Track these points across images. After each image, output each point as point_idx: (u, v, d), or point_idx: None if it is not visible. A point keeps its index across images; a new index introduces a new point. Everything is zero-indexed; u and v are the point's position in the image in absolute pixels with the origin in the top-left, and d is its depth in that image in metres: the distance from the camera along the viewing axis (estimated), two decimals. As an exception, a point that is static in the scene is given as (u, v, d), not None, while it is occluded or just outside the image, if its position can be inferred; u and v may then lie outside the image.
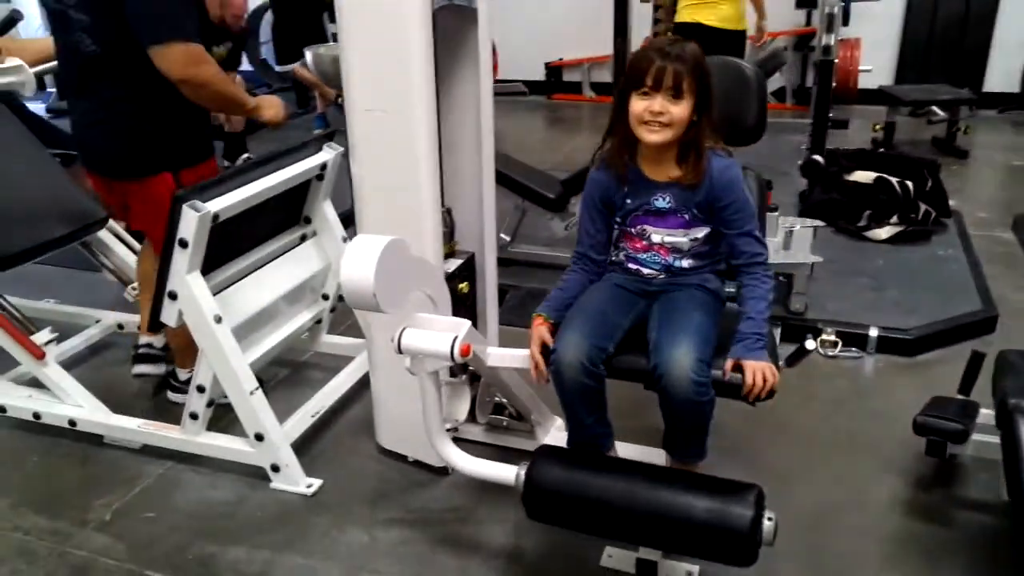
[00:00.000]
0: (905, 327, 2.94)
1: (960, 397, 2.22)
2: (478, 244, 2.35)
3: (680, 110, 1.63)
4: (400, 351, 1.73)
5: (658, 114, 1.63)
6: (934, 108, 5.52)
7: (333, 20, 5.68)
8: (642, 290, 1.82)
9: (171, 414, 2.55)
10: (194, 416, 2.28)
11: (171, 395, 2.68)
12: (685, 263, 1.78)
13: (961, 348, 2.85)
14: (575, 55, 7.44)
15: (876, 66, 6.11)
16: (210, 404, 2.28)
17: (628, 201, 1.76)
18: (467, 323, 1.74)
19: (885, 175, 3.84)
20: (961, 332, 2.95)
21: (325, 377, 2.68)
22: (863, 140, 5.51)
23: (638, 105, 1.65)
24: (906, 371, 2.81)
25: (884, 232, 3.77)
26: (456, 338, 1.68)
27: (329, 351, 2.91)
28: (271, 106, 2.42)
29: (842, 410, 2.58)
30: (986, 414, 2.12)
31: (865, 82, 6.06)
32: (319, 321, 2.81)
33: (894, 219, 3.79)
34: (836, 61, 4.30)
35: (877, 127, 5.61)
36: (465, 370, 1.92)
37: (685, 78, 1.62)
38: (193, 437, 2.31)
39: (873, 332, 2.90)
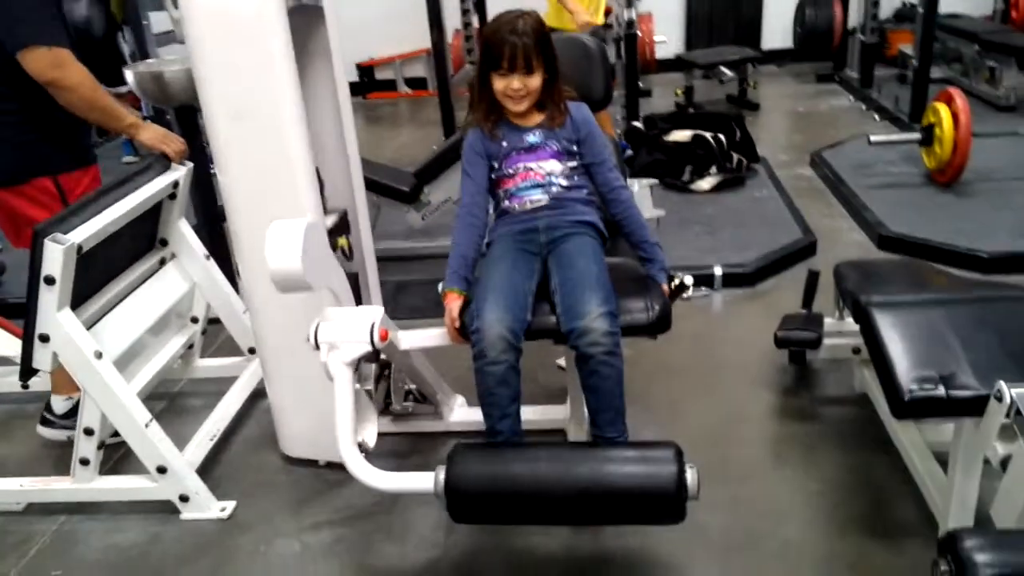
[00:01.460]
0: (743, 262, 3.27)
1: (805, 312, 2.54)
2: (356, 244, 2.38)
3: (535, 81, 1.87)
4: (317, 347, 1.74)
5: (517, 90, 1.86)
6: (723, 68, 6.07)
7: (125, 40, 5.38)
8: (534, 242, 1.93)
9: (50, 464, 2.39)
10: (85, 462, 2.13)
11: (42, 430, 2.49)
12: (563, 181, 1.96)
13: (793, 272, 3.25)
14: (386, 53, 7.44)
15: (667, 37, 6.64)
16: (100, 446, 2.15)
17: (504, 144, 1.95)
18: (380, 309, 1.78)
19: (700, 131, 4.22)
20: (790, 259, 3.35)
21: (207, 402, 2.59)
22: (667, 105, 5.97)
23: (499, 84, 1.87)
24: (751, 300, 3.15)
25: (706, 183, 4.15)
26: (374, 323, 1.72)
27: (204, 375, 2.81)
28: (151, 130, 2.33)
29: (706, 342, 2.85)
30: (830, 322, 2.44)
31: (661, 53, 6.58)
32: (191, 346, 2.71)
33: (713, 170, 4.17)
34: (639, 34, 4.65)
35: (679, 91, 6.09)
36: (377, 358, 1.95)
37: (534, 54, 1.83)
38: (86, 484, 2.16)
39: (718, 271, 3.22)
